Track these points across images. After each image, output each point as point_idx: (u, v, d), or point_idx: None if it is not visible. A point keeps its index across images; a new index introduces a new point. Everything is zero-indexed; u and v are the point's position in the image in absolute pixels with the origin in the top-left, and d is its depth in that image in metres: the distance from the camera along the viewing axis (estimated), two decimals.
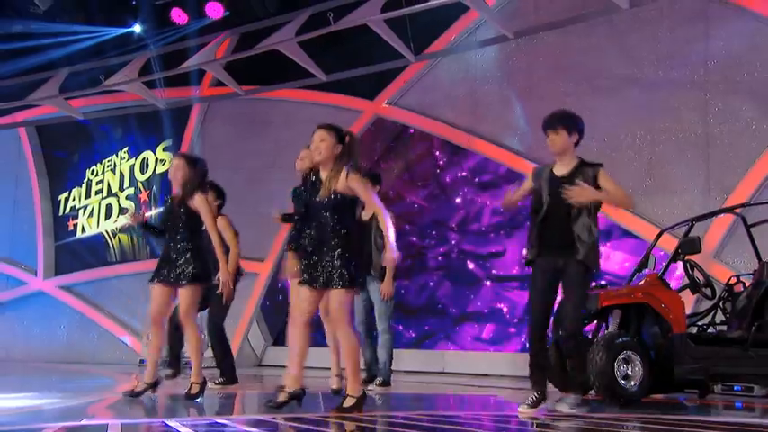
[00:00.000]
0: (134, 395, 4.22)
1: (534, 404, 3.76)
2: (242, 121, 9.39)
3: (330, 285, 3.56)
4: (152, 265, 9.44)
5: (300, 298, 3.67)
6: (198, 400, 4.21)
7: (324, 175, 3.69)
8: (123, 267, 10.04)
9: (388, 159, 8.98)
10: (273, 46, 7.74)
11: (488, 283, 8.07)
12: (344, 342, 3.59)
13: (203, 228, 4.39)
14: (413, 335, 8.39)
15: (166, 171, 10.11)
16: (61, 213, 10.88)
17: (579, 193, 3.76)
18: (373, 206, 3.69)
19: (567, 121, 3.90)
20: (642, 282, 4.86)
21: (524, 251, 3.99)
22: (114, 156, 10.54)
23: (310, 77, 8.14)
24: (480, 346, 7.98)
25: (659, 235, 5.51)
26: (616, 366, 4.31)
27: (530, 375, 3.85)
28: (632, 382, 4.37)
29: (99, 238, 10.49)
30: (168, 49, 9.11)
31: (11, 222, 10.98)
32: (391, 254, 3.55)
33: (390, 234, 3.58)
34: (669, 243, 5.73)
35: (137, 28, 9.56)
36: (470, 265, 8.23)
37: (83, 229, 10.67)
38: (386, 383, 5.32)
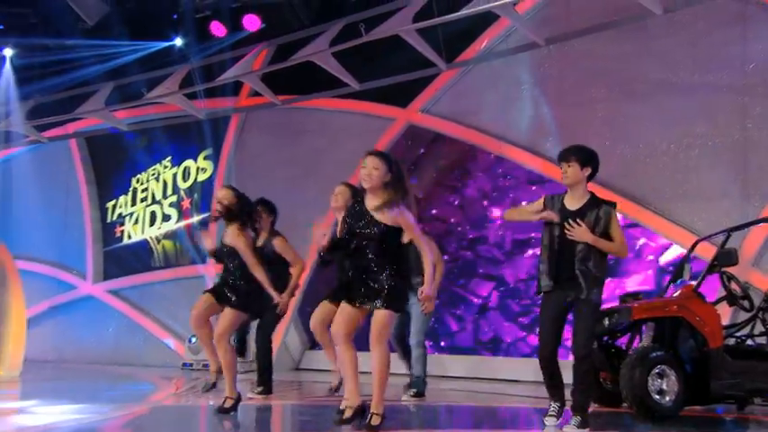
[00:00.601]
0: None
1: (557, 415, 3.87)
2: (278, 130, 9.57)
3: (376, 306, 3.56)
4: (193, 270, 9.80)
5: (343, 316, 3.65)
6: (230, 414, 4.30)
7: (371, 203, 3.64)
8: (166, 273, 10.37)
9: (421, 165, 9.04)
10: (308, 57, 7.87)
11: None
12: (378, 361, 3.59)
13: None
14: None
15: (207, 179, 10.51)
16: (109, 220, 11.30)
17: (580, 234, 3.81)
18: (418, 243, 3.64)
19: (581, 154, 3.92)
20: (677, 294, 4.80)
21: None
22: (158, 164, 10.89)
23: (344, 86, 8.25)
24: (519, 350, 7.98)
25: (695, 244, 5.43)
26: (650, 381, 4.26)
27: (548, 394, 3.95)
28: (667, 398, 4.31)
29: (144, 245, 10.86)
30: (207, 61, 9.36)
31: (63, 229, 11.46)
32: (428, 290, 3.58)
33: (429, 270, 3.59)
34: (707, 251, 5.62)
35: (178, 41, 9.87)
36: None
37: (129, 236, 11.07)
38: (420, 395, 5.42)
